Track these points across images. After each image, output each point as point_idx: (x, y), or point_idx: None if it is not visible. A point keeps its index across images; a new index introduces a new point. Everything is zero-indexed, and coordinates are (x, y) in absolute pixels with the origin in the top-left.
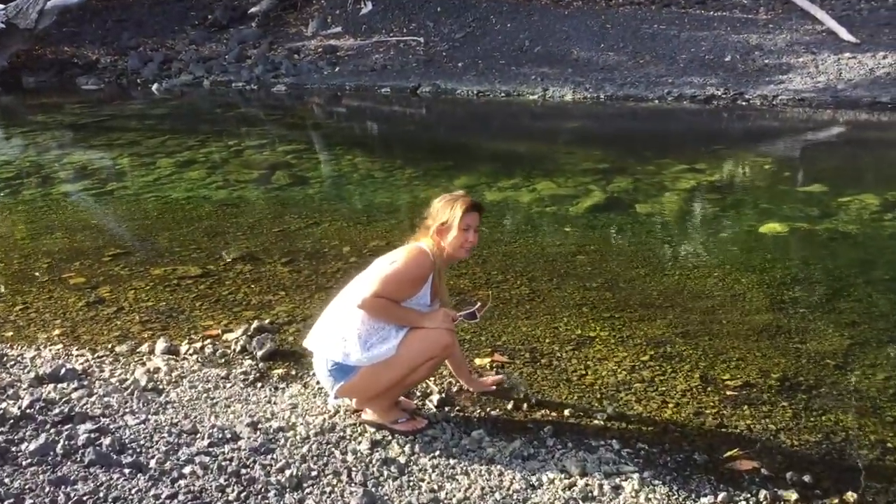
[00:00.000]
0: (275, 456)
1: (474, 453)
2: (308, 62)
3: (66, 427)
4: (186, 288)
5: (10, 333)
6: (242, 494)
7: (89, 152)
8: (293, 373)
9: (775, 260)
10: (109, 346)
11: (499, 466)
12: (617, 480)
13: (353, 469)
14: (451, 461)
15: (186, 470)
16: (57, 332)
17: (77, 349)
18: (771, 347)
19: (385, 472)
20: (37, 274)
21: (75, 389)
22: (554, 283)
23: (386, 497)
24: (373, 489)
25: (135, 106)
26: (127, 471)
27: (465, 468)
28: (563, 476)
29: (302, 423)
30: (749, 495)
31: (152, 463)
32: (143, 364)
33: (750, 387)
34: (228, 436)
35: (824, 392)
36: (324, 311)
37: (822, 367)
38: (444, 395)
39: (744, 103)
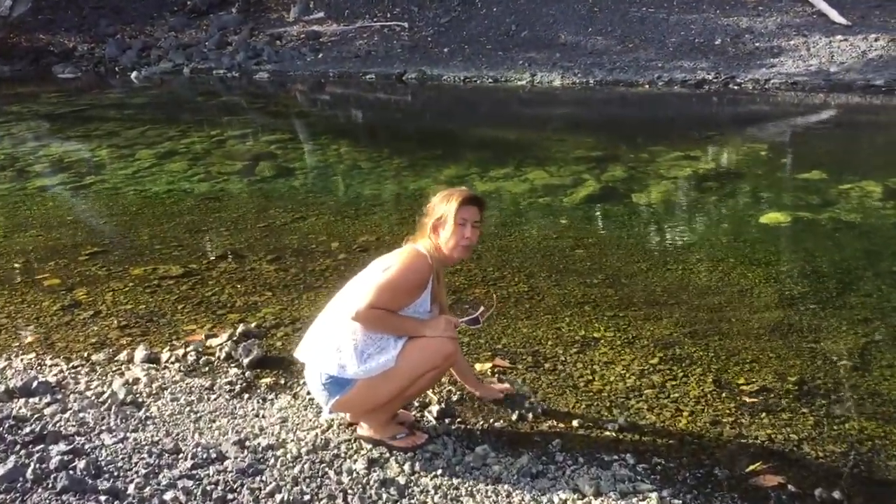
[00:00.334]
0: (264, 478)
1: (479, 471)
2: (290, 48)
3: (38, 448)
4: (167, 289)
5: None
6: None
7: (66, 144)
8: (282, 382)
9: (780, 252)
10: (85, 354)
11: (506, 486)
12: (634, 501)
13: (349, 492)
14: (455, 480)
15: (168, 496)
16: (29, 339)
17: (51, 358)
18: (784, 347)
19: (384, 495)
20: (9, 275)
21: (48, 404)
22: (553, 279)
23: None
24: None
25: (113, 95)
26: (103, 498)
27: (469, 488)
28: (576, 496)
29: (293, 440)
30: None
31: (131, 489)
32: (122, 374)
33: (767, 392)
34: (214, 455)
35: (844, 396)
36: (315, 320)
37: (839, 368)
38: (443, 405)
39: (735, 87)
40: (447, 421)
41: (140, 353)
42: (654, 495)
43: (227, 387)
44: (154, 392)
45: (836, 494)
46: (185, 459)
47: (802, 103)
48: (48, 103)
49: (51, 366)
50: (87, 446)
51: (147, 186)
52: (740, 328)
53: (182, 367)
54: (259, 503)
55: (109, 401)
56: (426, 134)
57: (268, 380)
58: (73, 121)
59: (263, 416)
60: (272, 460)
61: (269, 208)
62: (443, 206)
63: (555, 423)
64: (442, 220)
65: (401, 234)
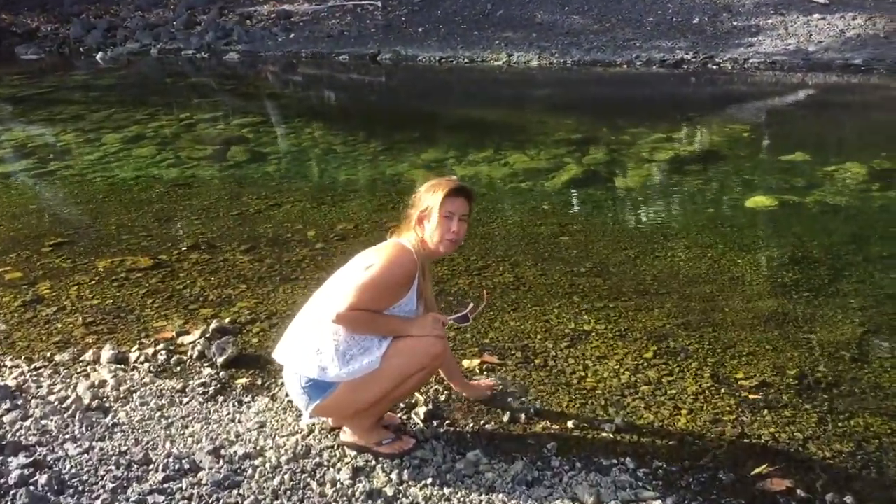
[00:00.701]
0: (241, 491)
1: (471, 479)
2: (261, 28)
3: None
4: (136, 282)
5: None
6: None
7: (29, 128)
8: (259, 382)
9: (768, 238)
10: (48, 354)
11: (500, 496)
12: None
13: None
14: (446, 490)
15: None
16: None
17: (11, 359)
18: (780, 339)
19: None
20: None
21: (8, 411)
22: (539, 268)
23: None
24: None
25: (78, 77)
26: None
27: (462, 499)
28: None
29: (272, 447)
30: None
31: None
32: (87, 376)
33: (767, 387)
34: (187, 466)
35: (845, 390)
36: (295, 318)
37: (838, 360)
38: (430, 406)
39: (714, 67)
40: (435, 423)
41: (107, 352)
42: (657, 503)
43: (201, 389)
44: (122, 396)
45: (849, 499)
46: (156, 471)
47: (781, 83)
48: (10, 86)
49: (11, 367)
50: (49, 458)
51: (114, 172)
52: (734, 319)
53: (152, 368)
54: None
55: (74, 406)
56: (402, 116)
57: (243, 380)
58: (36, 104)
59: (239, 421)
60: (250, 471)
61: (242, 195)
62: (428, 197)
63: (548, 423)
64: (427, 212)
65: (379, 222)
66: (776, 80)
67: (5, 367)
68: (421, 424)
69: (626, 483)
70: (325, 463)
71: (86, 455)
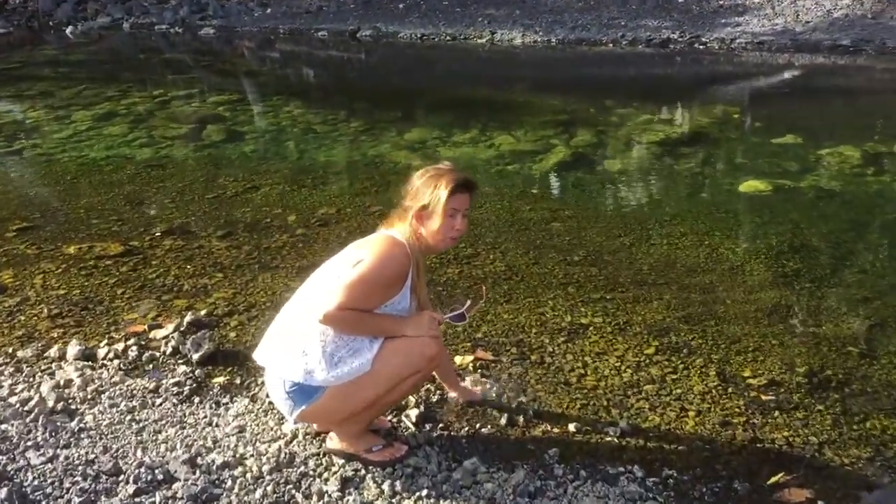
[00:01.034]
0: None
1: (469, 490)
2: (237, 3)
3: None
4: (105, 270)
5: None
6: None
7: None
8: (238, 381)
9: (765, 224)
10: (10, 350)
11: None
12: None
13: None
14: (443, 503)
15: None
16: None
17: None
18: (786, 333)
19: None
20: None
21: None
22: (531, 256)
23: None
24: None
25: (48, 51)
26: None
27: None
28: None
29: (252, 455)
30: None
31: None
32: (52, 375)
33: (776, 386)
34: (160, 477)
35: (857, 389)
36: (277, 316)
37: (847, 356)
38: (422, 408)
39: (701, 47)
40: (428, 427)
41: (73, 348)
42: None
43: (175, 389)
44: (89, 397)
45: None
46: (127, 483)
47: (768, 63)
48: None
49: None
50: (10, 468)
51: (84, 152)
52: (736, 311)
53: (122, 365)
54: None
55: (37, 409)
56: (384, 95)
57: (221, 379)
58: (3, 80)
59: (217, 425)
60: (229, 482)
61: (219, 177)
62: (428, 192)
63: (548, 427)
64: (429, 210)
65: (363, 206)
66: (763, 60)
67: None
68: (413, 428)
69: (635, 494)
70: (311, 473)
71: (50, 465)
